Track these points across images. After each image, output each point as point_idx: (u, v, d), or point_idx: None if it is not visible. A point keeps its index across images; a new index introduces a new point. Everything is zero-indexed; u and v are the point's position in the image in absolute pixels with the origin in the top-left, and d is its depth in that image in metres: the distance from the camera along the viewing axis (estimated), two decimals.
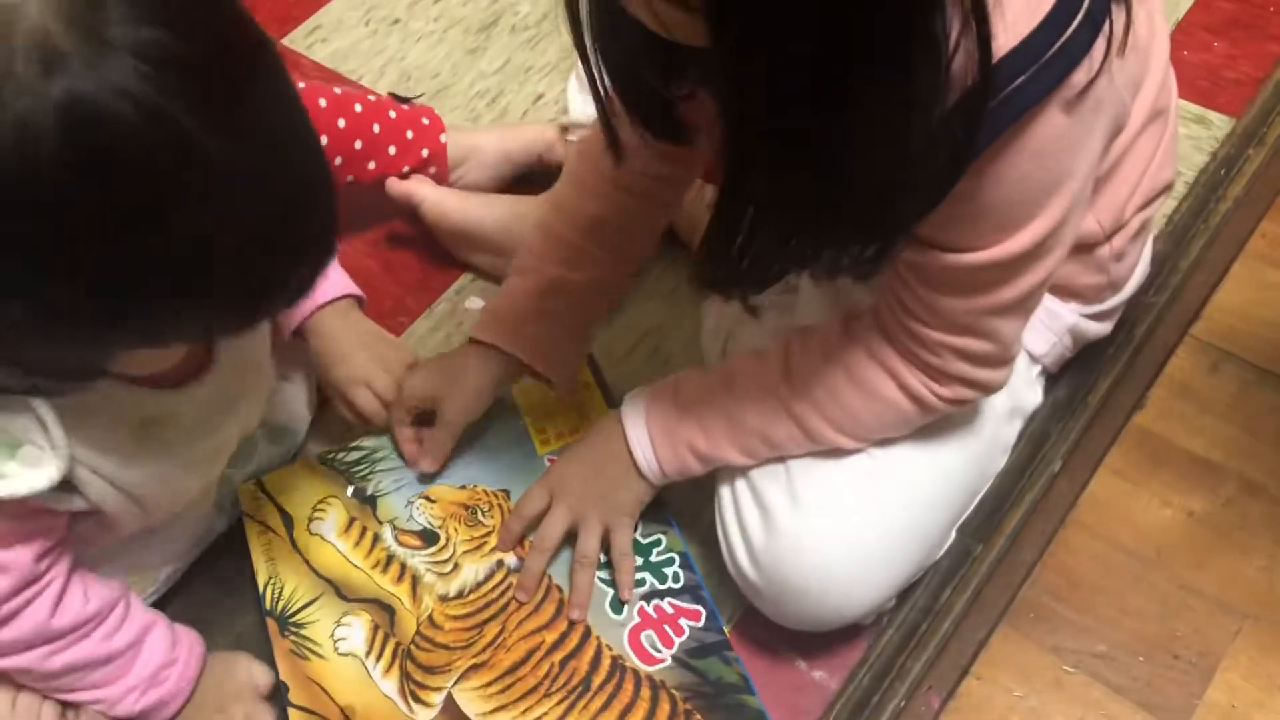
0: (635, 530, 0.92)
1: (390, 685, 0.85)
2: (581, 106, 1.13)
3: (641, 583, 0.90)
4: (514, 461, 0.96)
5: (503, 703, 0.85)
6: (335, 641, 0.87)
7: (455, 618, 0.89)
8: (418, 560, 0.91)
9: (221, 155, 0.55)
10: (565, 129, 1.15)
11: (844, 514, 0.84)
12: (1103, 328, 0.97)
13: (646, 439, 0.87)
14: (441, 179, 1.14)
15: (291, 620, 0.88)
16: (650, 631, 0.88)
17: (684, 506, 0.95)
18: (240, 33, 0.59)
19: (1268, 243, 1.12)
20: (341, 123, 1.07)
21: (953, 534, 0.91)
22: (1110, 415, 1.01)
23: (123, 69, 0.52)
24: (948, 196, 0.67)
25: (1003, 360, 0.80)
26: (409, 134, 1.11)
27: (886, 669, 0.90)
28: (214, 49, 0.56)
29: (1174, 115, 0.88)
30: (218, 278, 0.60)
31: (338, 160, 1.07)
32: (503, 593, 0.90)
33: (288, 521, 0.93)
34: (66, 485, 0.73)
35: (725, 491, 0.88)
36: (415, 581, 0.90)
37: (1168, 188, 0.90)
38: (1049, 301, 0.91)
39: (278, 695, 0.86)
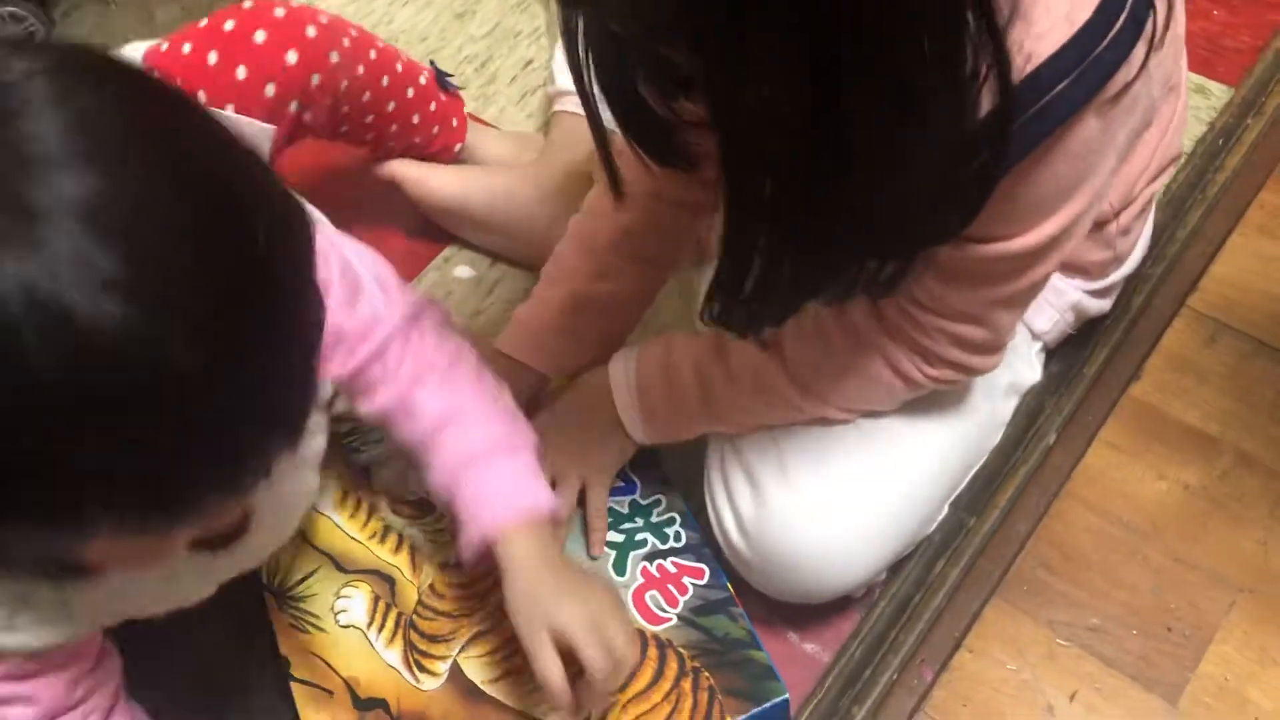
0: (635, 491, 0.92)
1: (394, 655, 0.85)
2: (569, 76, 1.10)
3: (643, 543, 0.90)
4: None
5: (508, 669, 0.84)
6: (336, 614, 0.87)
7: (457, 585, 0.88)
8: (415, 529, 0.90)
9: (200, 377, 0.48)
10: (552, 99, 1.13)
11: (835, 489, 0.84)
12: (1103, 304, 0.97)
13: (634, 401, 0.86)
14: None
15: (290, 594, 0.88)
16: (654, 591, 0.88)
17: (675, 481, 0.94)
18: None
19: (1265, 213, 1.11)
20: (391, 106, 1.03)
21: (945, 509, 0.90)
22: (1106, 387, 1.01)
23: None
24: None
25: (997, 347, 0.79)
26: (435, 129, 1.08)
27: (879, 642, 0.89)
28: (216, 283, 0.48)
29: (1184, 88, 0.86)
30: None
31: (369, 137, 1.04)
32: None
33: None
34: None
35: (715, 466, 0.88)
36: (414, 551, 0.89)
37: (1175, 159, 0.89)
38: (1055, 279, 0.90)
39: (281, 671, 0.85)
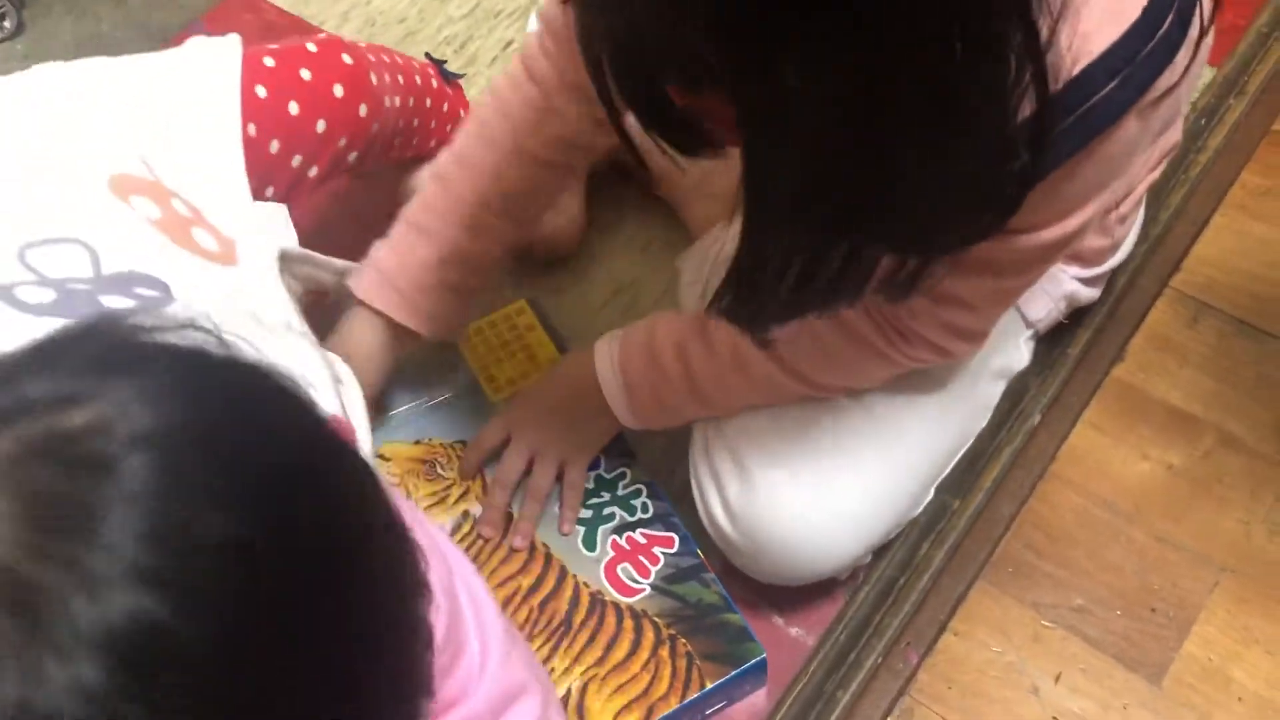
0: (599, 465, 0.92)
1: None
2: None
3: (611, 517, 0.90)
4: (467, 411, 0.95)
5: None
6: None
7: None
8: None
9: None
10: None
11: (821, 471, 0.83)
12: (1094, 293, 0.97)
13: (619, 383, 0.86)
14: None
15: None
16: (626, 564, 0.88)
17: (659, 465, 0.94)
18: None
19: (1247, 193, 1.11)
20: (416, 122, 1.00)
21: (931, 492, 0.90)
22: (1090, 368, 1.01)
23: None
24: None
25: (981, 335, 0.79)
26: (449, 128, 1.04)
27: (864, 625, 0.89)
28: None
29: None
30: None
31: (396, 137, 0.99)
32: (472, 543, 0.89)
33: None
34: None
35: (699, 449, 0.87)
36: None
37: (1174, 149, 0.89)
38: (1052, 268, 0.89)
39: None
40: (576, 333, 1.01)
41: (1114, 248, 0.93)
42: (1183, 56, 0.61)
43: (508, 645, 0.67)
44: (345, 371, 0.75)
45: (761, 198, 0.59)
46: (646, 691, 0.83)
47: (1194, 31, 0.61)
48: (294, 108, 0.86)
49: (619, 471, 0.92)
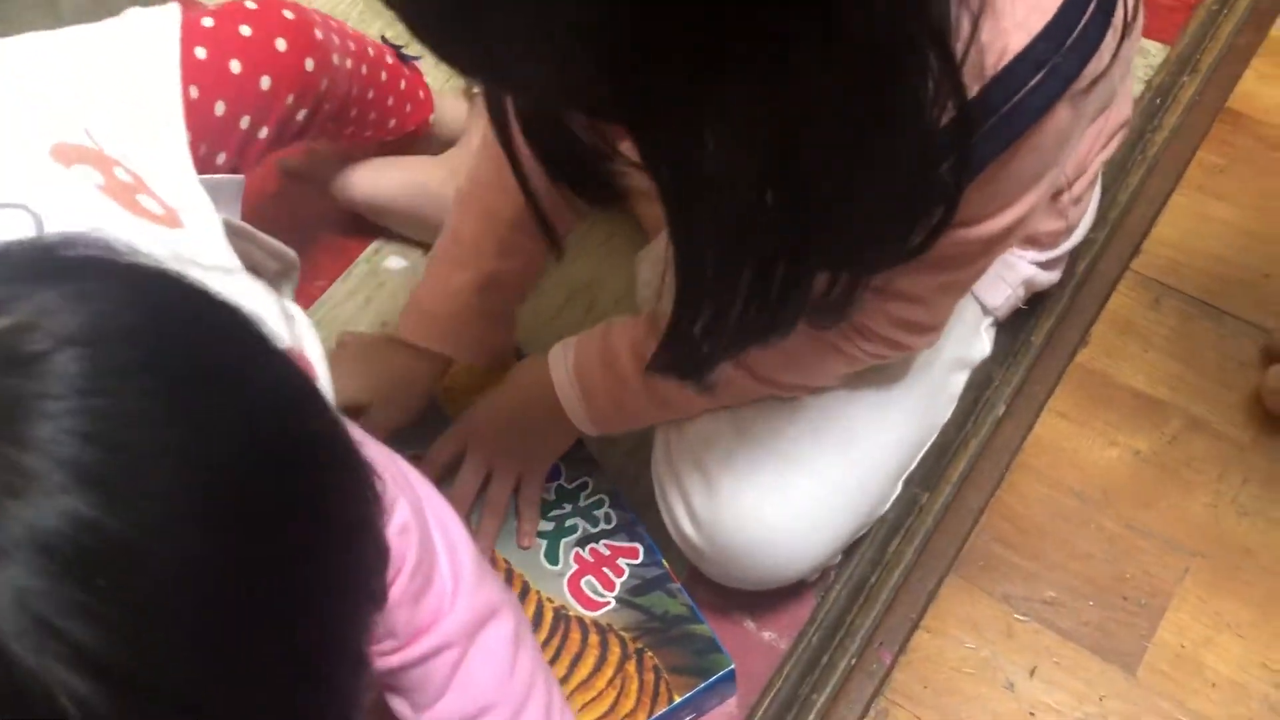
0: (560, 476, 0.90)
1: None
2: None
3: (574, 529, 0.88)
4: (424, 424, 0.93)
5: None
6: None
7: None
8: None
9: None
10: (470, 84, 1.09)
11: (785, 472, 0.82)
12: (1053, 276, 0.96)
13: (576, 389, 0.84)
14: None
15: None
16: (589, 577, 0.86)
17: (621, 474, 0.92)
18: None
19: (1204, 172, 1.10)
20: (371, 93, 0.97)
21: (898, 487, 0.89)
22: (1053, 356, 1.00)
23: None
24: None
25: (935, 328, 0.78)
26: (408, 107, 1.03)
27: (836, 626, 0.88)
28: None
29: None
30: None
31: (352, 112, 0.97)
32: None
33: None
34: None
35: (661, 457, 0.86)
36: None
37: (1125, 125, 0.88)
38: (1006, 254, 0.88)
39: None
40: (534, 337, 0.99)
41: (1069, 230, 0.92)
42: (1109, 41, 0.60)
43: (479, 571, 0.69)
44: (297, 310, 0.73)
45: (691, 260, 0.58)
46: (613, 708, 0.81)
47: (1118, 16, 0.60)
48: (235, 66, 0.83)
49: (580, 481, 0.90)
